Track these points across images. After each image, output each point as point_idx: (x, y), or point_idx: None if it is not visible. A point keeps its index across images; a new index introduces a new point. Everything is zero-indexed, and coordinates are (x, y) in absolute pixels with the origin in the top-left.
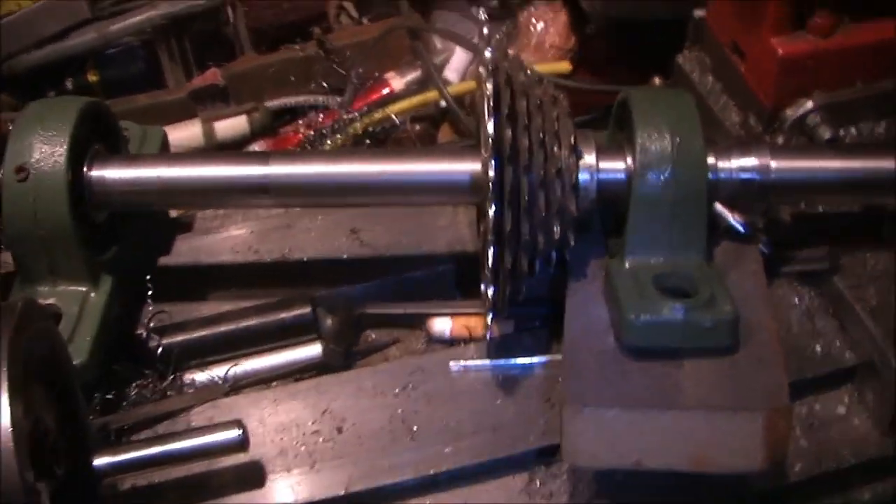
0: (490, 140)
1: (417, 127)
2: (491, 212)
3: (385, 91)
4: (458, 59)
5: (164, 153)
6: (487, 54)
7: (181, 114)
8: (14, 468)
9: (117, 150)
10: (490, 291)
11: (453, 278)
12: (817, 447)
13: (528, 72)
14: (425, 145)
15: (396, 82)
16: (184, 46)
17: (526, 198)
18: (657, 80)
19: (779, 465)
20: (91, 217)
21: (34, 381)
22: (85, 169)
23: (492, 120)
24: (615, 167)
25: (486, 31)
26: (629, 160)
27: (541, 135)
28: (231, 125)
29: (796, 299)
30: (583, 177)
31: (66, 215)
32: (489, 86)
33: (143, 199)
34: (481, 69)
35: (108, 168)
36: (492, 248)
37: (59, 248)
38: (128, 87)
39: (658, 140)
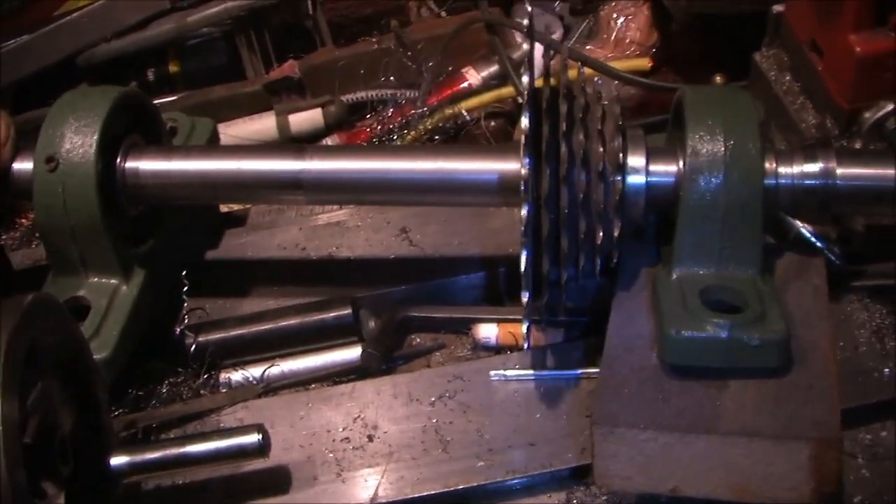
0: (524, 138)
1: (493, 123)
2: (524, 213)
3: (463, 86)
4: (536, 55)
5: (199, 145)
6: (526, 47)
7: (258, 106)
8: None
9: (157, 142)
10: (526, 299)
11: (504, 283)
12: (880, 479)
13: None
14: (499, 142)
15: (473, 77)
16: (263, 38)
17: (565, 201)
18: (718, 79)
19: (831, 499)
20: (124, 209)
21: (45, 377)
22: (118, 160)
23: (527, 117)
24: (666, 170)
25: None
26: (680, 163)
27: (582, 136)
28: (306, 118)
29: (866, 316)
30: (631, 180)
31: (95, 207)
32: (525, 81)
33: (177, 193)
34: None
35: (143, 159)
36: (525, 253)
37: (90, 239)
38: (209, 78)
39: (710, 142)
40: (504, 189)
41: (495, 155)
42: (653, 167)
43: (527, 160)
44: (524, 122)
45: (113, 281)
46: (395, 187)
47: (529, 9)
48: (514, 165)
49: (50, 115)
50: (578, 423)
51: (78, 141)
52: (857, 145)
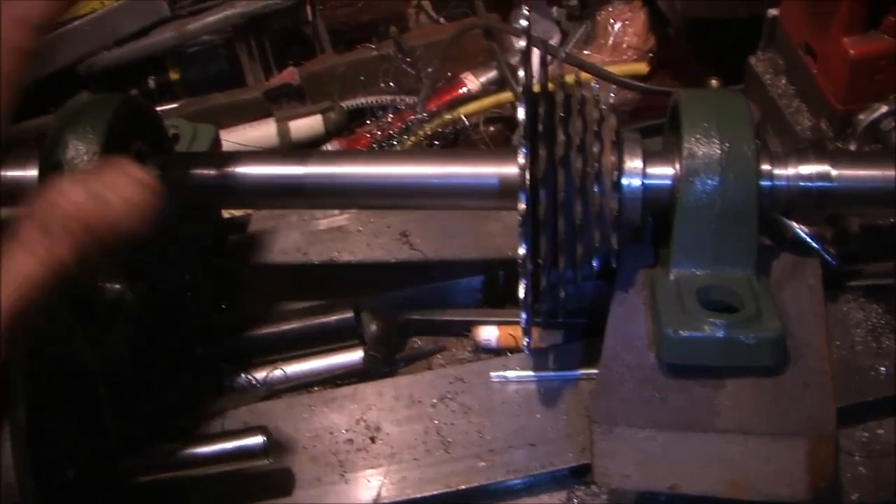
0: (522, 139)
1: (492, 128)
2: (521, 211)
3: (461, 91)
4: (535, 60)
5: (200, 152)
6: (522, 44)
7: (258, 113)
8: (11, 473)
9: (161, 148)
10: (524, 300)
11: (503, 285)
12: (876, 476)
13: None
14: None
15: (472, 83)
16: (263, 45)
17: (562, 197)
18: (714, 82)
19: (827, 495)
20: None
21: (48, 382)
22: None
23: (524, 119)
24: (663, 173)
25: (526, 26)
26: (677, 166)
27: (579, 138)
28: (306, 125)
29: (862, 316)
30: (629, 182)
31: None
32: (521, 75)
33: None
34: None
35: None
36: (524, 249)
37: None
38: (209, 85)
39: (706, 144)
40: (505, 192)
41: (497, 158)
42: (650, 170)
43: (525, 153)
44: (521, 114)
45: (118, 286)
46: (399, 192)
47: (526, 11)
48: (514, 169)
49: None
50: (578, 423)
51: (82, 148)
52: (852, 147)
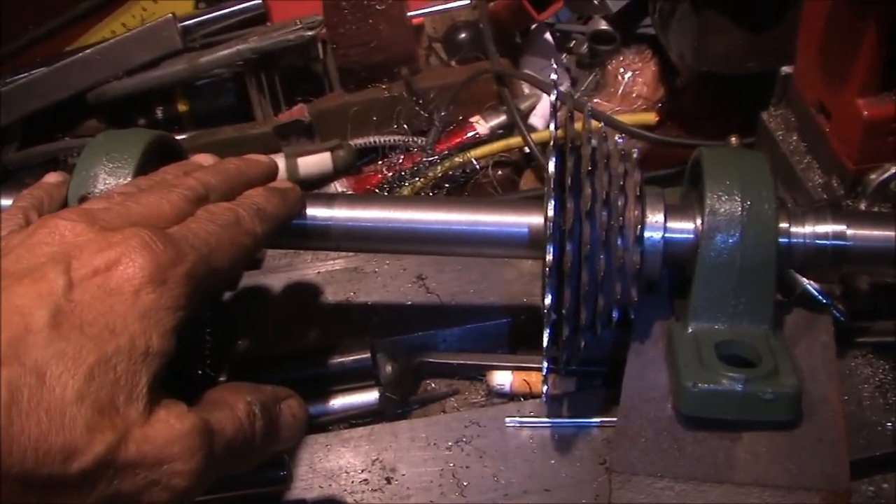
0: (552, 189)
1: (500, 172)
2: (549, 257)
3: (469, 135)
4: (544, 106)
5: None
6: (554, 94)
7: (266, 148)
8: None
9: None
10: (547, 349)
11: (518, 331)
12: None
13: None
14: (506, 191)
15: (481, 126)
16: (273, 81)
17: (587, 249)
18: (734, 140)
19: None
20: None
21: None
22: None
23: (553, 172)
24: (683, 227)
25: (556, 79)
26: (698, 221)
27: (605, 192)
28: (314, 161)
29: (869, 372)
30: (649, 235)
31: None
32: (552, 128)
33: None
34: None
35: None
36: (549, 299)
37: None
38: (217, 118)
39: (727, 202)
40: (534, 242)
41: (525, 209)
42: (670, 224)
43: (553, 204)
44: (551, 167)
45: None
46: (431, 239)
47: (555, 66)
48: (542, 220)
49: (83, 156)
50: (592, 470)
51: (111, 182)
52: (862, 206)
